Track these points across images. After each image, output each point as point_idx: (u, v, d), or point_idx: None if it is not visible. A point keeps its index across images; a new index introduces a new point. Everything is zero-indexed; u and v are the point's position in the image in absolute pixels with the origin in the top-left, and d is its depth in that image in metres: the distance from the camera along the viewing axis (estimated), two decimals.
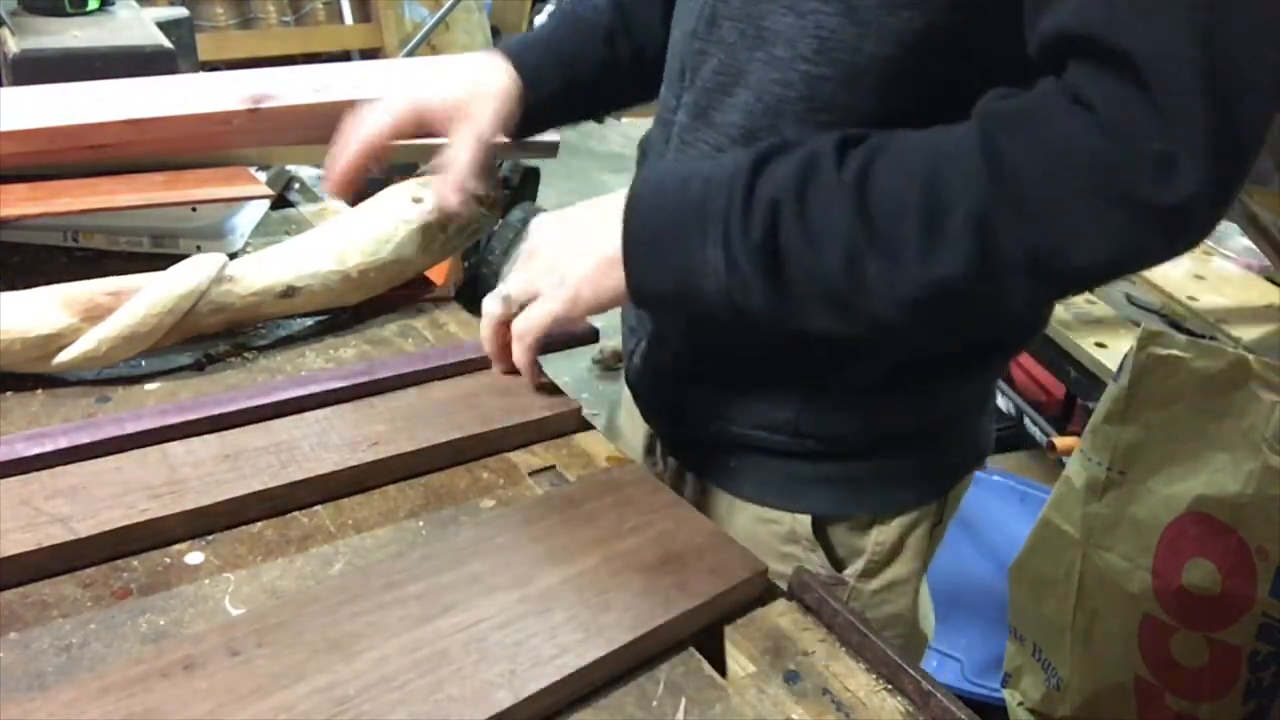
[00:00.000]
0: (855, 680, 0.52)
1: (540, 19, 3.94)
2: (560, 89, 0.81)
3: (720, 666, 0.53)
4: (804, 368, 0.69)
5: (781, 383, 0.71)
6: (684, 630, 0.53)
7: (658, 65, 0.77)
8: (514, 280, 0.66)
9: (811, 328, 0.58)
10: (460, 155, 0.75)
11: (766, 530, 0.75)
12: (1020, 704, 1.46)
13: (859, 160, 0.55)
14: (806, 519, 0.74)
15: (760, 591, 0.57)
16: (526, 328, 0.65)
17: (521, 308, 0.65)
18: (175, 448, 0.60)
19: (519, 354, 0.66)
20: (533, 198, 2.85)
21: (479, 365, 0.72)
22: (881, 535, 0.75)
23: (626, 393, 0.87)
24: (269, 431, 0.62)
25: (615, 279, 0.60)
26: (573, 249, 0.63)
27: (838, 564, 0.76)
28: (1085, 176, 0.49)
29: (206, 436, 0.61)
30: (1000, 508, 1.93)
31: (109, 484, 0.56)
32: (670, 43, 0.74)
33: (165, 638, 0.49)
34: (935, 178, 0.52)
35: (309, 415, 0.65)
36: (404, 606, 0.50)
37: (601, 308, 0.62)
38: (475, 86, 0.78)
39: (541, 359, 0.75)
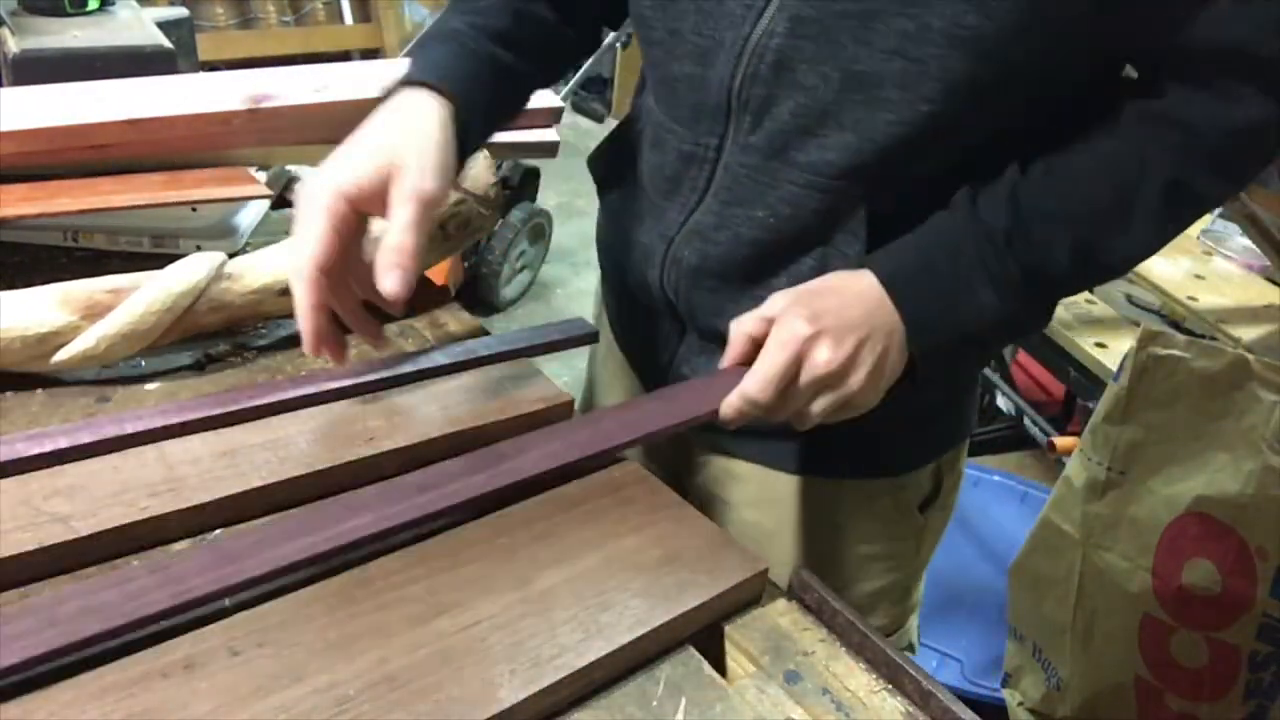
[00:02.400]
0: (855, 680, 0.52)
1: None
2: (486, 109, 0.70)
3: (720, 666, 0.53)
4: None
5: None
6: (684, 630, 0.53)
7: (555, 50, 0.78)
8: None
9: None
10: (401, 226, 0.60)
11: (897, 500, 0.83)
12: (1020, 704, 1.46)
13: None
14: (927, 471, 0.83)
15: (760, 591, 0.57)
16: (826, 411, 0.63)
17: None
18: (173, 446, 0.60)
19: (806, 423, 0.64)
20: (533, 198, 2.85)
21: (478, 364, 0.72)
22: (955, 465, 0.85)
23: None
24: (267, 428, 0.62)
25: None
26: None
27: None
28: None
29: (205, 434, 0.61)
30: (1000, 508, 1.93)
31: (109, 483, 0.56)
32: (676, 77, 0.69)
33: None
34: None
35: (305, 412, 0.65)
36: (404, 606, 0.50)
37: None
38: (402, 140, 0.62)
39: (542, 359, 0.75)
